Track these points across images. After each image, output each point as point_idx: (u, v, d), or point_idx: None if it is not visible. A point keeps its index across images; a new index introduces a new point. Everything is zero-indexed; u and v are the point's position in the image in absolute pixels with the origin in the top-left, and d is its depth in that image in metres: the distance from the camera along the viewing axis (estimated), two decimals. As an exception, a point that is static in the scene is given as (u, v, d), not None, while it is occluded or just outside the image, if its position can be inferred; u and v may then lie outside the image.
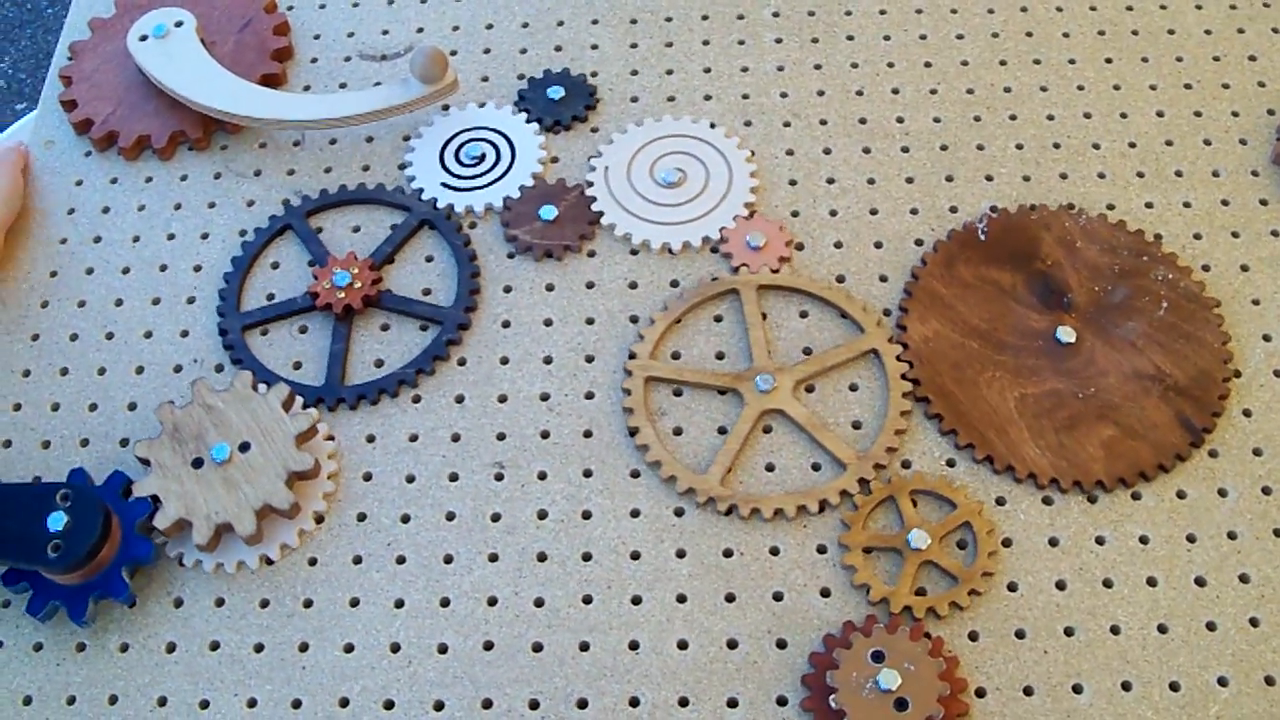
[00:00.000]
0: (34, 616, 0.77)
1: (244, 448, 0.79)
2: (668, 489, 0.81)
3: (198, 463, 0.79)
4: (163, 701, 0.76)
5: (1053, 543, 0.79)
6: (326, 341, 0.88)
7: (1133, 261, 0.88)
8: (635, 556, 0.79)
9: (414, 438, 0.84)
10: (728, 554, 0.79)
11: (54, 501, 0.77)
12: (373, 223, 0.94)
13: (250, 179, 0.96)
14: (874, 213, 0.92)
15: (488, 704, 0.75)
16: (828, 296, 0.88)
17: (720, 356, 0.86)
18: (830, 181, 0.94)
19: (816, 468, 0.82)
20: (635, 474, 0.82)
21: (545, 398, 0.85)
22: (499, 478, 0.82)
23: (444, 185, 0.94)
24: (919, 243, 0.91)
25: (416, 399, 0.86)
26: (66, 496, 0.77)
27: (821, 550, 0.79)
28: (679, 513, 0.81)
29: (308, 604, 0.79)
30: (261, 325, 0.90)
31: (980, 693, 0.74)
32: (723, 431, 0.83)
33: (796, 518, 0.80)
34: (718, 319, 0.88)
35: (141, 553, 0.78)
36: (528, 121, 0.97)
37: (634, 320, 0.88)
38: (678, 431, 0.83)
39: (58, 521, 0.76)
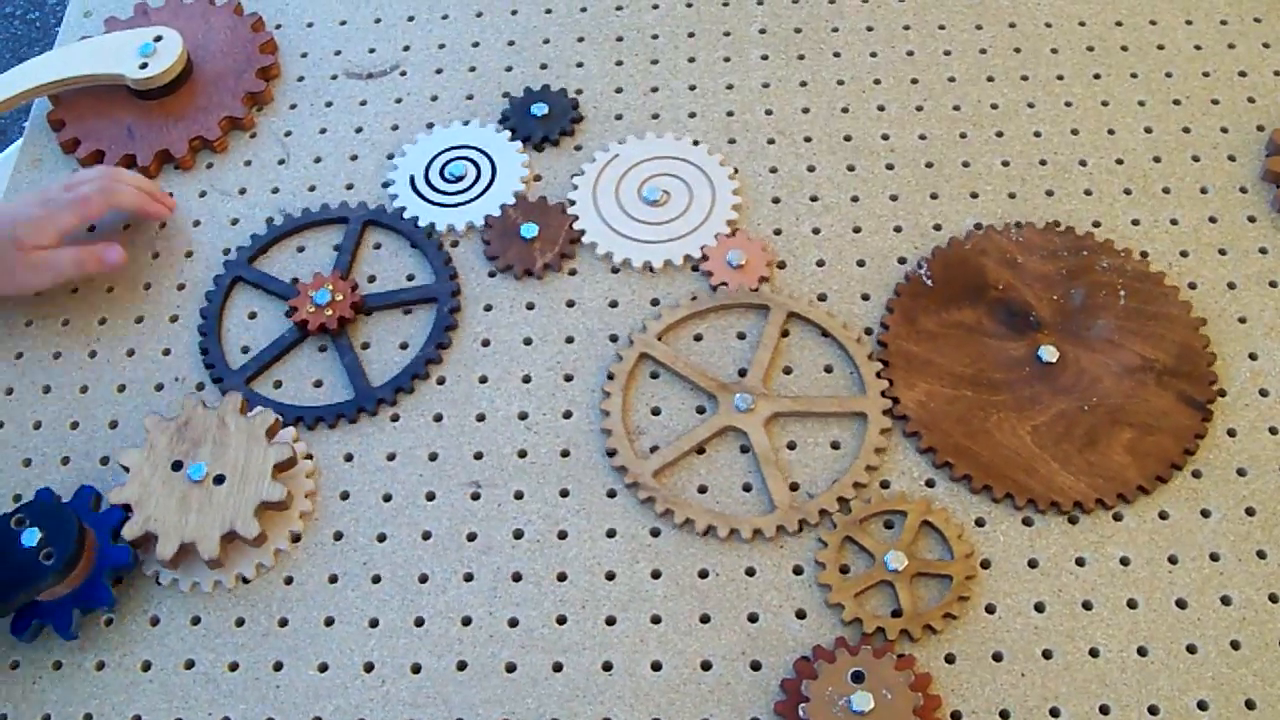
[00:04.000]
0: (18, 638, 0.77)
1: (220, 472, 0.79)
2: (644, 510, 0.81)
3: (177, 465, 0.79)
4: (137, 720, 0.76)
5: (1032, 564, 0.78)
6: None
7: (1075, 260, 0.88)
8: (610, 577, 0.79)
9: (392, 456, 0.84)
10: (703, 575, 0.79)
11: (11, 528, 0.76)
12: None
13: (234, 197, 0.97)
14: (857, 230, 0.92)
15: (460, 725, 0.75)
16: (847, 345, 0.85)
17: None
18: (814, 199, 0.93)
19: (794, 488, 0.81)
20: (612, 494, 0.82)
21: (524, 416, 0.85)
22: (476, 497, 0.82)
23: (426, 202, 0.94)
24: (902, 260, 0.90)
25: (395, 418, 0.86)
26: (21, 519, 0.77)
27: (797, 571, 0.78)
28: (655, 533, 0.80)
29: (283, 623, 0.79)
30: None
31: (956, 716, 0.73)
32: (700, 451, 0.83)
33: (728, 539, 0.79)
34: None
35: (121, 559, 0.78)
36: (511, 139, 0.97)
37: (614, 339, 0.88)
38: (654, 447, 0.83)
39: (31, 537, 0.76)
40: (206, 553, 0.77)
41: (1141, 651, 0.75)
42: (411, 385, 0.86)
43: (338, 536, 0.81)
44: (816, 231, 0.92)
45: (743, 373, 0.85)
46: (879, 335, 0.85)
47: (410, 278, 0.91)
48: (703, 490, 0.81)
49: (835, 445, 0.83)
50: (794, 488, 0.81)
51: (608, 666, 0.76)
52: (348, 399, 0.86)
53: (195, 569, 0.80)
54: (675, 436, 0.83)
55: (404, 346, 0.88)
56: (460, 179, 0.95)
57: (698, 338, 0.88)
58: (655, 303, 0.89)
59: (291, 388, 0.87)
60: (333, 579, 0.80)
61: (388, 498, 0.83)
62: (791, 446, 0.83)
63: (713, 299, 0.88)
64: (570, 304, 0.90)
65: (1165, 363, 0.83)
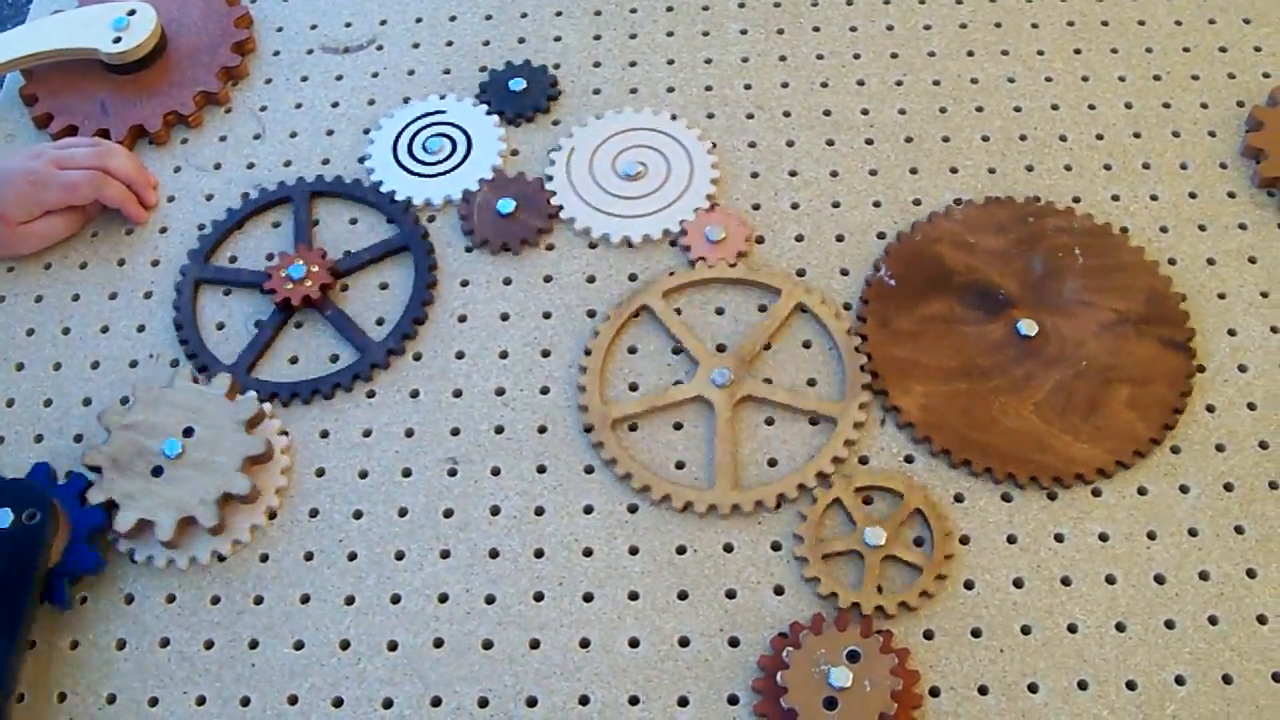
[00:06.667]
0: None
1: (192, 440, 0.79)
2: (621, 485, 0.80)
3: (146, 449, 0.79)
4: (112, 699, 0.76)
5: (1011, 540, 0.78)
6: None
7: (1025, 228, 0.88)
8: (588, 553, 0.79)
9: (368, 433, 0.83)
10: (681, 551, 0.78)
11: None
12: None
13: (209, 173, 0.96)
14: (836, 205, 0.91)
15: (437, 702, 0.74)
16: (735, 276, 0.87)
17: (675, 351, 0.85)
18: (793, 174, 0.93)
19: (773, 463, 0.81)
20: (589, 469, 0.81)
21: (500, 392, 0.85)
22: (452, 473, 0.82)
23: (403, 177, 0.93)
24: (881, 235, 0.90)
25: (371, 394, 0.85)
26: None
27: (775, 547, 0.78)
28: (632, 509, 0.80)
29: (258, 600, 0.78)
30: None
31: (934, 692, 0.73)
32: (678, 427, 0.83)
33: (753, 513, 0.79)
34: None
35: (86, 565, 0.77)
36: (489, 114, 0.96)
37: (591, 315, 0.87)
38: (633, 428, 0.83)
39: (4, 519, 0.75)
40: (207, 521, 0.77)
41: (1120, 627, 0.75)
42: (402, 347, 0.86)
43: (313, 513, 0.81)
44: (795, 206, 0.91)
45: (721, 348, 0.85)
46: (862, 346, 0.84)
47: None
48: (680, 466, 0.81)
49: (814, 421, 0.83)
50: (772, 463, 0.81)
51: (585, 643, 0.76)
52: (349, 363, 0.86)
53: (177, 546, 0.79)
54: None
55: (380, 323, 0.88)
56: (437, 154, 0.94)
57: (677, 311, 0.87)
58: (633, 277, 0.88)
59: (268, 367, 0.87)
60: (308, 556, 0.79)
61: (364, 474, 0.82)
62: (770, 422, 0.82)
63: (600, 336, 0.86)
64: (548, 279, 0.89)
65: (1138, 311, 0.84)
